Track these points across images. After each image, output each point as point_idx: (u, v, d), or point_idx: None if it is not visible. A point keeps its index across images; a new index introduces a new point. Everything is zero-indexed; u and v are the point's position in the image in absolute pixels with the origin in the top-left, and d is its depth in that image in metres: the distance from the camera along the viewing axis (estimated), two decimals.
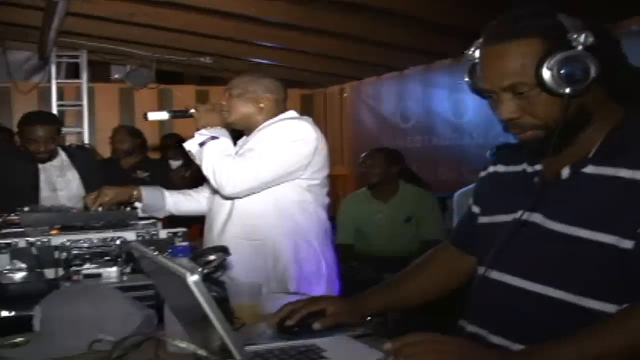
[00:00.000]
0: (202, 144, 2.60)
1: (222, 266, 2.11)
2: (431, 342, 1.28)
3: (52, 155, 3.94)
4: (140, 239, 2.29)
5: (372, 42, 5.50)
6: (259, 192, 2.62)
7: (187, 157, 5.90)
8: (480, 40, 1.47)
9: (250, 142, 2.71)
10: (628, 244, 1.30)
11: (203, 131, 2.64)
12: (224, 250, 2.03)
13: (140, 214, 2.81)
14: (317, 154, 2.66)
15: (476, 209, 1.76)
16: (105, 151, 6.19)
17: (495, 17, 1.46)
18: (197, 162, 2.64)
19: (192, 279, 0.94)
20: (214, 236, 2.74)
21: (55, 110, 6.63)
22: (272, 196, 2.65)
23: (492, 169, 1.74)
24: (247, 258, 2.61)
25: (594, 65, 1.32)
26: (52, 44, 5.87)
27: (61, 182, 4.00)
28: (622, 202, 1.33)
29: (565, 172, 1.45)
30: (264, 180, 2.58)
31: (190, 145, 2.66)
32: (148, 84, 6.93)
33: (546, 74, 1.33)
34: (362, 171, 4.70)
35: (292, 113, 2.84)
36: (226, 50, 6.14)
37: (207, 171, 2.57)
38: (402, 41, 5.43)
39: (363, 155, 4.76)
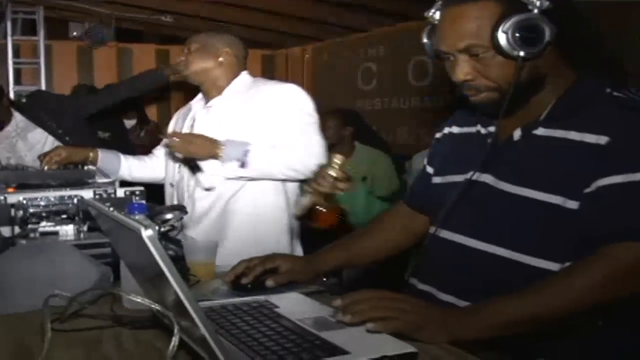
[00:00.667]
0: (242, 165, 2.49)
1: (179, 225, 2.13)
2: (379, 299, 1.32)
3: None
4: (97, 197, 2.29)
5: (335, 2, 5.48)
6: None
7: (140, 116, 5.93)
8: (440, 2, 1.49)
9: (230, 104, 2.65)
10: (573, 204, 1.35)
11: (224, 150, 2.47)
12: (180, 209, 2.05)
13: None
14: None
15: (430, 169, 1.80)
16: None
17: None
18: (255, 177, 2.56)
19: (147, 233, 0.95)
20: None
21: (10, 68, 6.50)
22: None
23: (446, 130, 1.77)
24: (242, 229, 2.61)
25: (548, 29, 1.34)
26: None
27: (22, 147, 3.94)
28: (569, 163, 1.37)
29: (517, 134, 1.49)
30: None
31: (232, 174, 2.54)
32: (107, 42, 6.80)
33: (501, 37, 1.35)
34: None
35: (247, 77, 2.78)
36: (187, 9, 6.05)
37: (283, 176, 2.54)
38: (365, 2, 5.40)
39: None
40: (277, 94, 2.64)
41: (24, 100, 4.26)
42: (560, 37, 1.38)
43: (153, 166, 3.00)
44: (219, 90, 2.74)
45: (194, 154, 2.55)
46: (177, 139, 2.52)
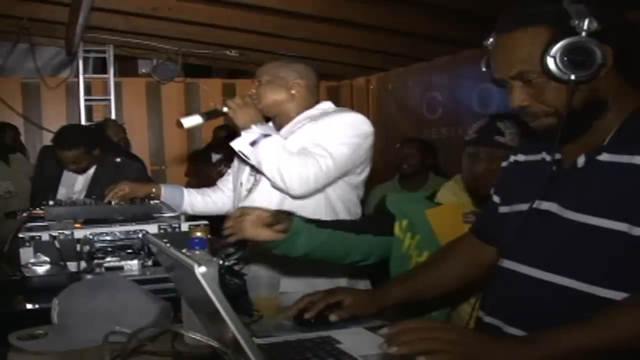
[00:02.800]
0: (252, 143, 2.47)
1: (243, 258, 2.11)
2: (428, 329, 1.23)
3: (85, 169, 3.99)
4: (162, 231, 2.30)
5: (397, 32, 5.46)
6: (322, 189, 2.52)
7: (228, 152, 5.96)
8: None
9: (303, 135, 2.56)
10: (638, 231, 1.29)
11: (254, 128, 2.49)
12: (244, 243, 2.03)
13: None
14: (371, 149, 2.59)
15: (496, 199, 1.75)
16: (133, 146, 6.25)
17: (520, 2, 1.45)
18: (253, 162, 2.50)
19: (200, 270, 0.94)
20: None
21: (82, 105, 6.71)
22: (324, 196, 2.56)
23: (512, 158, 1.73)
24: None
25: (599, 51, 1.31)
26: (79, 39, 5.91)
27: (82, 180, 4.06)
28: (635, 189, 1.31)
29: (581, 160, 1.43)
30: (333, 178, 2.48)
31: (240, 145, 2.51)
32: (174, 78, 6.96)
33: (550, 62, 1.33)
34: (397, 160, 4.61)
35: (329, 104, 2.73)
36: (252, 42, 6.13)
37: (270, 172, 2.43)
38: (428, 31, 5.37)
39: (398, 144, 4.68)
40: (337, 113, 2.61)
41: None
42: (619, 58, 1.36)
43: (216, 200, 2.99)
44: (290, 120, 2.69)
45: (238, 113, 2.53)
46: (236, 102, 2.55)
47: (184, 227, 2.32)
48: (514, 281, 1.52)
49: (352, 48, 6.18)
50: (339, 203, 2.61)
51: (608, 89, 1.40)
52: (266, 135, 2.47)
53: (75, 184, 4.03)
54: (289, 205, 2.50)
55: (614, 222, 1.32)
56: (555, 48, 1.32)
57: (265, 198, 2.57)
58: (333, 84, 7.88)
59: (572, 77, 1.33)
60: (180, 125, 2.58)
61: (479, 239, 1.84)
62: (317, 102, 2.72)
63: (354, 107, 7.76)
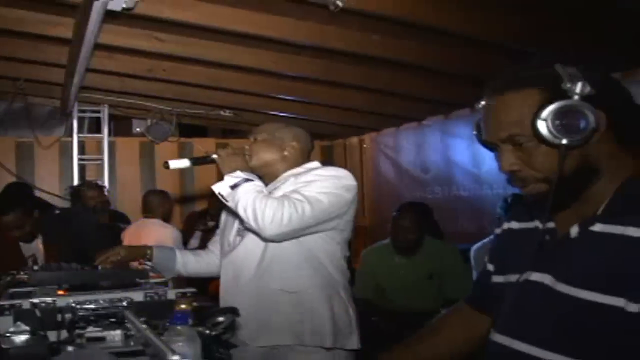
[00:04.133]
0: (233, 186, 2.53)
1: (231, 327, 2.06)
2: None
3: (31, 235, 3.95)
4: (148, 299, 2.25)
5: (390, 93, 5.54)
6: (297, 236, 2.54)
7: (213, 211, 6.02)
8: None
9: (286, 188, 2.62)
10: (634, 307, 1.24)
11: (238, 173, 2.56)
12: (232, 311, 1.99)
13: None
14: (353, 204, 2.63)
15: (490, 267, 1.71)
16: (125, 205, 6.24)
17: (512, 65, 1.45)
18: (230, 204, 2.54)
19: (173, 358, 0.90)
20: (241, 286, 2.66)
21: (75, 165, 6.71)
22: (306, 247, 2.60)
23: (506, 226, 1.69)
24: (283, 310, 2.58)
25: (591, 115, 1.28)
26: (74, 99, 5.96)
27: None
28: (629, 263, 1.26)
29: (574, 230, 1.39)
30: (308, 223, 2.49)
31: (220, 187, 2.57)
32: (168, 137, 6.99)
33: (541, 125, 1.30)
34: (392, 229, 4.52)
35: (316, 163, 2.79)
36: (246, 103, 6.20)
37: (245, 212, 2.45)
38: (420, 92, 5.45)
39: (395, 213, 4.58)
40: (321, 168, 2.70)
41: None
42: (612, 122, 1.33)
43: (209, 261, 3.01)
44: (275, 179, 2.75)
45: (226, 161, 2.62)
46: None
47: (171, 295, 2.27)
48: (505, 357, 1.46)
49: (344, 109, 6.27)
50: (323, 256, 2.64)
51: (601, 154, 1.36)
52: (248, 180, 2.53)
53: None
54: (271, 255, 2.58)
55: (609, 297, 1.27)
56: (547, 111, 1.29)
57: (249, 252, 2.65)
58: (326, 144, 7.93)
59: (564, 141, 1.29)
60: (167, 166, 2.66)
61: (472, 308, 1.79)
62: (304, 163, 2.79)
63: (347, 166, 7.81)
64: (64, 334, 2.04)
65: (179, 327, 1.61)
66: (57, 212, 4.17)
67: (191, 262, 3.00)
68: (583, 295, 1.31)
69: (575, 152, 1.33)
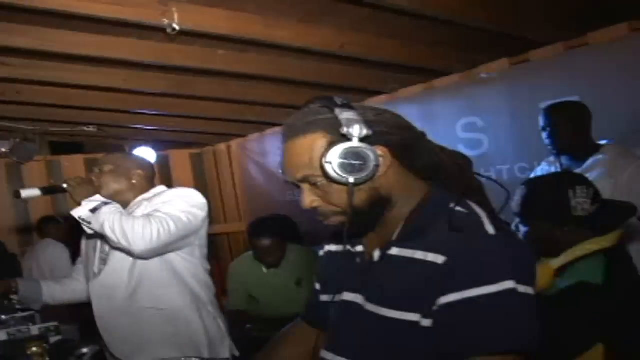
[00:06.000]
0: (93, 210, 2.58)
1: (95, 357, 2.11)
2: None
3: None
4: (12, 337, 2.24)
5: (244, 102, 5.71)
6: (162, 253, 2.66)
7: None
8: None
9: (141, 212, 2.73)
10: (427, 322, 1.36)
11: (97, 197, 2.65)
12: (95, 343, 2.04)
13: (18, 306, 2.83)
14: (205, 220, 2.80)
15: (317, 286, 1.82)
16: None
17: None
18: (94, 226, 2.58)
19: None
20: (113, 308, 2.73)
21: None
22: (171, 265, 2.73)
23: (326, 248, 1.80)
24: (158, 326, 2.69)
25: (371, 153, 1.37)
26: None
27: None
28: (419, 283, 1.38)
29: (376, 254, 1.51)
30: (174, 239, 2.61)
31: (80, 212, 2.62)
32: (33, 157, 6.91)
33: (327, 166, 1.38)
34: (254, 249, 4.34)
35: (162, 187, 2.94)
36: (109, 119, 6.23)
37: (113, 232, 2.51)
38: (279, 100, 5.59)
39: (250, 230, 4.41)
40: (172, 190, 2.85)
41: None
42: (396, 155, 1.45)
43: (74, 288, 3.05)
44: (127, 205, 2.87)
45: (77, 189, 2.70)
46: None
47: (34, 330, 2.27)
48: None
49: (208, 119, 6.36)
50: (187, 273, 2.78)
51: (390, 184, 1.47)
52: (106, 203, 2.64)
53: None
54: (139, 274, 2.68)
55: (406, 314, 1.38)
56: (330, 154, 1.37)
57: (117, 274, 2.73)
58: (196, 151, 8.01)
59: (351, 179, 1.37)
60: (18, 195, 2.70)
61: (308, 324, 1.87)
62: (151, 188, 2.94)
63: (218, 172, 7.92)
64: None
65: None
66: None
67: (57, 291, 3.02)
68: (385, 313, 1.42)
69: (364, 187, 1.42)
